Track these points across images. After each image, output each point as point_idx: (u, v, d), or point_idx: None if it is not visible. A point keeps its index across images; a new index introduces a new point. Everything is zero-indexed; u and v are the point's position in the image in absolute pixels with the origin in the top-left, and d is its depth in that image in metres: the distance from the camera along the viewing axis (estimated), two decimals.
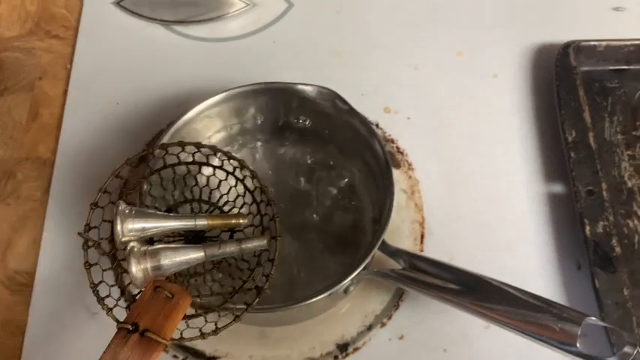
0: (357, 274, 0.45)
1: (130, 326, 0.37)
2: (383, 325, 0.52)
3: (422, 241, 0.56)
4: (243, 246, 0.42)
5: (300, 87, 0.53)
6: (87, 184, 0.59)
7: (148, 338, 0.37)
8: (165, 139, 0.50)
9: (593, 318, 0.40)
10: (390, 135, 0.61)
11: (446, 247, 0.55)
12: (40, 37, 0.70)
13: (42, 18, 0.71)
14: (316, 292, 0.43)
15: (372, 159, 0.51)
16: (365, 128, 0.51)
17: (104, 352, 0.37)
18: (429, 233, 0.56)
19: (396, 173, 0.59)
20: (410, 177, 0.59)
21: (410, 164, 0.60)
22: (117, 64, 0.67)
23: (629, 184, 0.57)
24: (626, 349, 0.39)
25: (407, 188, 0.58)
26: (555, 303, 0.41)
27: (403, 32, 0.68)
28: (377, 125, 0.62)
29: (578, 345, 0.38)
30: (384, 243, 0.48)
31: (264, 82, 0.54)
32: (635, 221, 0.55)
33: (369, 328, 0.52)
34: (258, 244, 0.42)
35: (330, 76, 0.65)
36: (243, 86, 0.53)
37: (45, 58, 0.68)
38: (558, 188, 0.58)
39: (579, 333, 0.39)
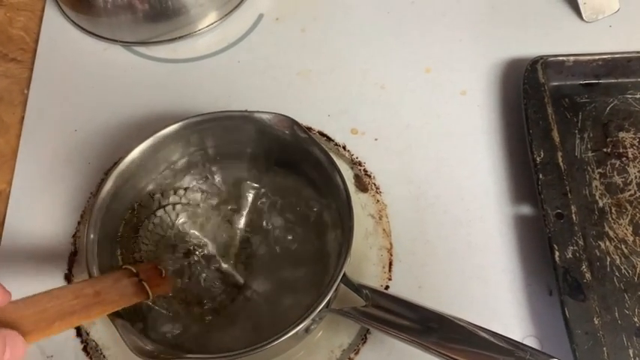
0: (315, 315, 0.43)
1: (134, 270, 0.46)
2: None
3: (390, 269, 0.54)
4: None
5: (257, 115, 0.51)
6: (43, 217, 0.57)
7: (142, 285, 0.45)
8: (118, 171, 0.49)
9: (555, 359, 0.38)
10: (357, 157, 0.60)
11: (414, 274, 0.54)
12: None
13: None
14: (273, 337, 0.42)
15: (334, 189, 0.49)
16: (325, 158, 0.49)
17: (111, 273, 0.46)
18: (397, 260, 0.55)
19: (364, 197, 0.58)
20: (378, 201, 0.58)
21: (378, 187, 0.58)
22: (76, 88, 0.65)
23: (600, 203, 0.55)
24: None
25: (375, 213, 0.57)
26: (519, 343, 0.40)
27: (370, 50, 0.66)
28: (344, 147, 0.60)
29: None
30: (347, 278, 0.46)
31: (222, 111, 0.52)
32: (607, 242, 0.54)
33: None
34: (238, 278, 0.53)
35: (295, 97, 0.64)
36: (198, 115, 0.51)
37: (1, 83, 0.66)
38: (528, 211, 0.56)
39: None
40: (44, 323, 0.38)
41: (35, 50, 0.68)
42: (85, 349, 0.52)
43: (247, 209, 0.54)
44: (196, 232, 0.53)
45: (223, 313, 0.51)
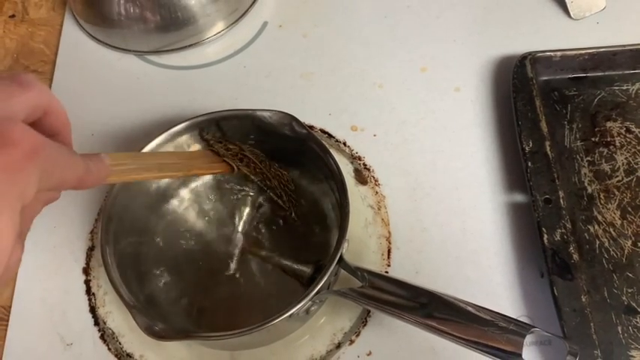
0: (314, 295, 0.46)
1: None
2: (351, 342, 0.53)
3: (389, 256, 0.57)
4: None
5: (259, 113, 0.54)
6: (63, 215, 0.61)
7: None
8: None
9: (538, 329, 0.41)
10: (357, 152, 0.63)
11: (412, 261, 0.57)
12: None
13: (21, 53, 0.74)
14: (273, 316, 0.45)
15: (332, 179, 0.52)
16: (321, 149, 0.52)
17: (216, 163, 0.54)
18: (395, 248, 0.58)
19: (364, 190, 0.61)
20: (377, 193, 0.61)
21: (376, 180, 0.61)
22: (92, 96, 0.69)
23: (589, 189, 0.58)
24: (568, 358, 0.40)
25: (374, 204, 0.60)
26: (504, 315, 0.42)
27: (368, 52, 0.70)
28: (344, 143, 0.64)
29: (523, 355, 0.40)
30: (344, 262, 0.49)
31: (225, 110, 0.56)
32: (596, 226, 0.56)
33: (338, 346, 0.53)
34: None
35: (298, 98, 0.67)
36: (205, 114, 0.55)
37: None
38: (519, 198, 0.59)
39: (525, 343, 0.40)
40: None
41: (54, 62, 0.72)
42: (102, 337, 0.55)
43: (250, 202, 0.58)
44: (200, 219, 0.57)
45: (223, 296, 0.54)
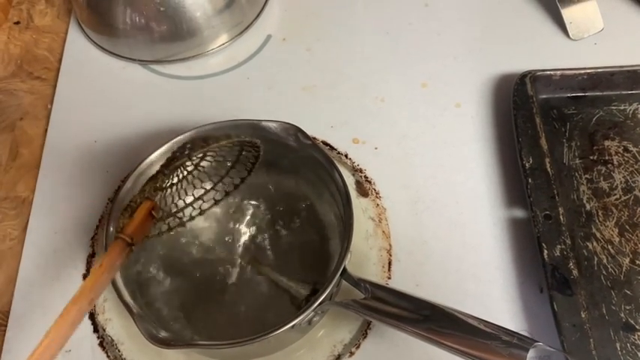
0: (317, 307, 0.46)
1: (129, 240, 0.47)
2: (351, 354, 0.53)
3: (389, 269, 0.58)
4: None
5: (264, 123, 0.55)
6: (64, 221, 0.61)
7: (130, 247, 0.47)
8: (135, 175, 0.53)
9: (540, 343, 0.41)
10: (358, 165, 0.64)
11: (412, 273, 0.57)
12: (22, 79, 0.73)
13: (25, 60, 0.74)
14: (276, 326, 0.45)
15: (335, 191, 0.53)
16: (326, 161, 0.53)
17: (111, 250, 0.46)
18: (396, 260, 0.58)
19: (365, 202, 0.61)
20: (377, 205, 0.61)
21: (377, 193, 0.62)
22: (96, 103, 0.70)
23: (588, 206, 0.59)
24: None
25: (375, 216, 0.60)
26: (506, 329, 0.42)
27: (370, 66, 0.71)
28: (346, 155, 0.64)
29: None
30: (347, 273, 0.49)
31: (231, 120, 0.56)
32: (594, 243, 0.57)
33: (338, 357, 0.53)
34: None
35: (301, 110, 0.68)
36: (210, 124, 0.55)
37: (27, 99, 0.71)
38: (519, 213, 0.59)
39: (528, 357, 0.40)
40: None
41: (58, 69, 0.73)
42: (101, 344, 0.55)
43: (252, 212, 0.58)
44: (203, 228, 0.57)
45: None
